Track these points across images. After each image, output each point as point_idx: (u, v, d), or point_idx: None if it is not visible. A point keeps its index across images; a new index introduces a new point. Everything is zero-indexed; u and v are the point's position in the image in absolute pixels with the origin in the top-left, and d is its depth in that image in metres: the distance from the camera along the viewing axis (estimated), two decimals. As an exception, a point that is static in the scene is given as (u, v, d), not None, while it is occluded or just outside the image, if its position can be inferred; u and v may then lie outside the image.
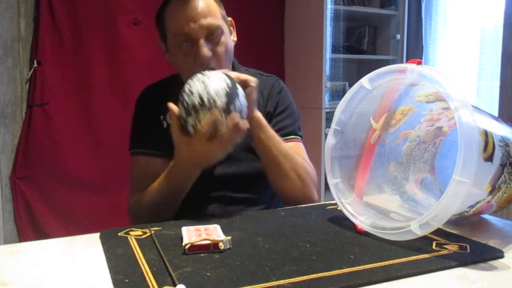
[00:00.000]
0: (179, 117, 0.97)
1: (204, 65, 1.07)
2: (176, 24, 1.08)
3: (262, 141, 1.08)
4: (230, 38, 1.16)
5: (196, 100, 0.94)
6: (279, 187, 1.14)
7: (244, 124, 0.95)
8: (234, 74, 1.01)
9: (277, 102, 1.24)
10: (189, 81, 0.99)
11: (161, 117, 1.18)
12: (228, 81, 0.97)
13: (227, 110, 0.94)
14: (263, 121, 1.08)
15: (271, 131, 1.10)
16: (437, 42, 2.79)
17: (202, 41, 1.07)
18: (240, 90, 0.98)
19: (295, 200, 1.13)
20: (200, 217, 0.94)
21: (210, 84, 0.95)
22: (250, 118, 1.02)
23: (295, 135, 1.23)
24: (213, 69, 1.03)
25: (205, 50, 1.07)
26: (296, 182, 1.12)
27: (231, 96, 0.95)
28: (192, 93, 0.95)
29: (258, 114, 1.07)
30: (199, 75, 0.98)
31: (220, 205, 1.16)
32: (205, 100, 0.93)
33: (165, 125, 1.18)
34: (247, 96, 0.99)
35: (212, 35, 1.08)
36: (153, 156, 1.17)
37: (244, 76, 1.02)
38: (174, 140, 1.00)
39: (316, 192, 1.17)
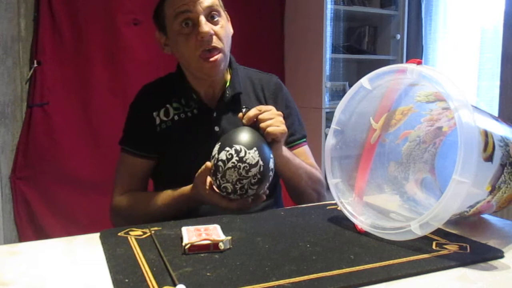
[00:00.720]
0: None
1: (206, 43, 1.08)
2: (176, 4, 1.09)
3: (287, 172, 1.15)
4: (228, 25, 1.17)
5: (229, 188, 0.98)
6: (298, 201, 1.22)
7: (264, 194, 1.05)
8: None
9: (285, 105, 1.26)
10: (223, 156, 0.99)
11: (154, 113, 1.18)
12: (260, 155, 0.99)
13: (262, 181, 0.99)
14: (288, 155, 1.13)
15: (294, 161, 1.15)
16: (437, 42, 2.78)
17: (202, 17, 1.08)
18: (266, 149, 1.01)
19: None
20: (200, 216, 0.94)
21: (244, 158, 0.97)
22: (276, 156, 1.06)
23: (303, 137, 1.28)
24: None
25: (206, 26, 1.07)
26: (314, 196, 1.21)
27: (262, 172, 0.99)
28: (226, 180, 0.98)
29: (283, 151, 1.11)
30: (231, 151, 0.99)
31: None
32: (240, 171, 0.97)
33: (157, 121, 1.18)
34: (272, 146, 1.04)
35: (212, 16, 1.10)
36: (140, 157, 1.19)
37: (252, 115, 1.04)
38: (198, 184, 1.04)
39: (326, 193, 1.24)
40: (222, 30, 1.12)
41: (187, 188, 1.08)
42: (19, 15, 2.35)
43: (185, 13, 1.08)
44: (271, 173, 1.02)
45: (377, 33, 3.09)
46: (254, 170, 0.97)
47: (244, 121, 1.04)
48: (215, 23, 1.11)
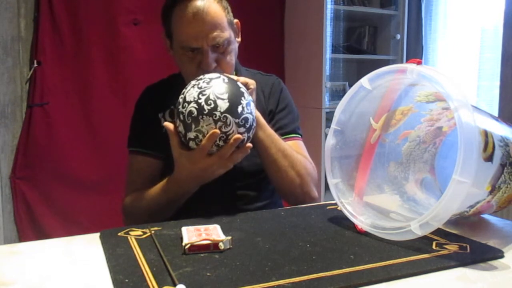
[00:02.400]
0: (178, 132, 0.97)
1: (206, 72, 1.05)
2: (182, 36, 1.08)
3: (261, 140, 1.08)
4: (235, 44, 1.17)
5: (194, 109, 0.91)
6: (279, 185, 1.15)
7: (248, 145, 0.96)
8: (232, 78, 1.00)
9: (278, 100, 1.25)
10: (184, 89, 0.96)
11: (159, 114, 1.18)
12: (228, 83, 0.95)
13: (232, 114, 0.92)
14: (262, 120, 1.09)
15: (270, 130, 1.10)
16: (437, 42, 2.78)
17: (207, 49, 1.07)
18: (244, 91, 0.97)
19: (294, 197, 1.14)
20: (200, 215, 0.94)
21: (209, 88, 0.92)
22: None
23: (295, 133, 1.24)
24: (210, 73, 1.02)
25: (210, 60, 1.07)
26: (295, 180, 1.12)
27: (234, 99, 0.93)
28: (188, 102, 0.92)
29: (257, 114, 1.07)
30: (193, 82, 0.95)
31: (220, 202, 1.16)
32: (204, 106, 0.91)
33: (163, 122, 1.17)
34: None
35: (218, 46, 1.09)
36: (149, 156, 1.18)
37: (242, 79, 1.02)
38: (174, 156, 1.00)
39: (315, 189, 1.18)
40: (228, 57, 1.11)
41: (173, 174, 1.04)
42: (19, 15, 2.35)
43: (191, 48, 1.08)
44: (243, 90, 0.94)
45: (377, 33, 3.09)
46: (217, 81, 0.92)
47: None
48: (222, 52, 1.10)
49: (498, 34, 2.28)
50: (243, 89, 0.98)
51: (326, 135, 2.31)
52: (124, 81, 2.48)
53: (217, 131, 0.92)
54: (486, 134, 0.79)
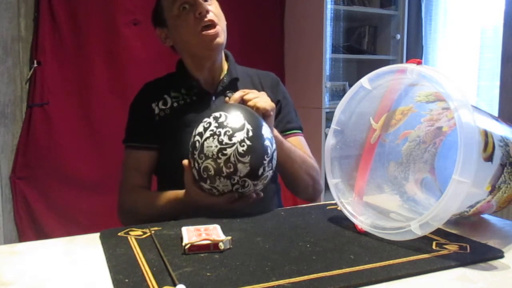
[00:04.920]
0: (192, 171, 0.94)
1: (203, 18, 1.12)
2: None
3: (280, 155, 1.09)
4: (223, 16, 1.22)
5: (211, 167, 0.83)
6: (294, 189, 1.23)
7: (260, 194, 0.98)
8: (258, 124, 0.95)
9: (282, 93, 1.29)
10: (201, 123, 0.87)
11: (153, 104, 1.20)
12: (252, 137, 0.85)
13: (252, 178, 0.87)
14: (279, 138, 1.11)
15: (287, 144, 1.15)
16: (437, 42, 2.78)
17: None
18: (260, 121, 0.90)
19: (309, 196, 1.24)
20: (200, 215, 0.94)
21: (230, 146, 0.82)
22: None
23: (300, 129, 1.29)
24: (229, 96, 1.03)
25: (203, 4, 1.14)
26: (310, 183, 1.21)
27: (256, 162, 0.85)
28: (205, 155, 0.83)
29: (275, 133, 1.09)
30: (213, 123, 0.84)
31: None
32: (223, 169, 0.82)
33: (156, 111, 1.19)
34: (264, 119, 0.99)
35: (207, 1, 1.16)
36: (144, 150, 1.20)
37: (238, 96, 1.02)
38: (186, 186, 1.00)
39: (322, 182, 1.25)
40: (216, 9, 1.19)
41: (181, 192, 1.06)
42: (19, 15, 2.35)
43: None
44: (267, 144, 0.86)
45: (377, 33, 3.09)
46: (239, 135, 0.80)
47: (229, 101, 1.02)
48: (209, 4, 1.17)
49: (498, 34, 2.28)
50: (266, 132, 0.88)
51: (326, 135, 2.31)
52: (124, 81, 2.48)
53: (235, 194, 0.92)
54: (486, 134, 0.79)
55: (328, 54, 2.69)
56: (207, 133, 0.83)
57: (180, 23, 1.16)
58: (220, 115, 0.84)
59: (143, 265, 0.69)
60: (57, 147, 2.40)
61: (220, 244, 0.74)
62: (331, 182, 0.91)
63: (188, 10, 1.14)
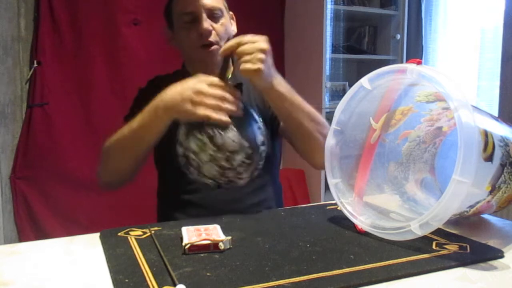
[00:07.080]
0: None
1: (205, 37, 1.13)
2: (179, 5, 1.18)
3: (286, 109, 1.06)
4: (230, 24, 1.23)
5: (210, 182, 0.88)
6: (306, 149, 1.13)
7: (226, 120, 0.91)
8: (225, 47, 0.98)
9: None
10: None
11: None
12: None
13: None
14: (283, 87, 1.06)
15: (294, 95, 1.08)
16: (437, 42, 2.78)
17: (203, 15, 1.14)
18: (249, 119, 0.92)
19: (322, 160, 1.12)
20: (200, 215, 0.94)
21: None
22: (268, 88, 1.02)
23: None
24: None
25: (206, 23, 1.14)
26: (321, 141, 1.07)
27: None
28: (204, 175, 0.87)
29: (276, 82, 1.04)
30: (203, 138, 0.87)
31: (221, 196, 1.16)
32: (222, 182, 0.87)
33: None
34: (242, 72, 0.96)
35: (213, 15, 1.16)
36: None
37: (228, 46, 0.99)
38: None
39: None
40: (222, 27, 1.17)
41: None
42: (19, 15, 2.35)
43: (189, 14, 1.15)
44: (262, 148, 0.89)
45: (377, 33, 3.09)
46: (239, 158, 0.83)
47: (220, 55, 1.00)
48: (216, 21, 1.17)
49: (498, 34, 2.28)
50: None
51: (326, 135, 2.31)
52: (124, 81, 2.48)
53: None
54: (486, 134, 0.79)
55: (328, 54, 2.69)
56: (204, 157, 0.86)
57: (184, 34, 1.17)
58: (214, 133, 0.86)
59: (143, 265, 0.69)
60: (57, 147, 2.40)
61: (220, 244, 0.74)
62: (331, 182, 0.91)
63: (193, 23, 1.15)
